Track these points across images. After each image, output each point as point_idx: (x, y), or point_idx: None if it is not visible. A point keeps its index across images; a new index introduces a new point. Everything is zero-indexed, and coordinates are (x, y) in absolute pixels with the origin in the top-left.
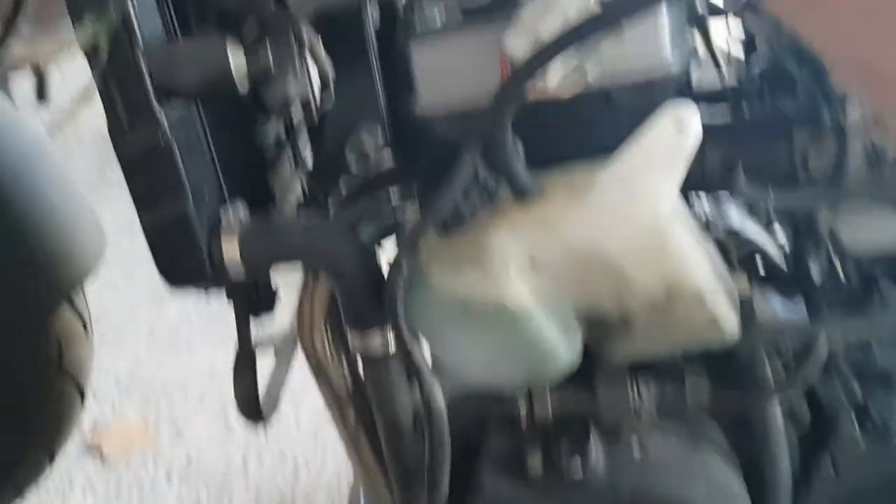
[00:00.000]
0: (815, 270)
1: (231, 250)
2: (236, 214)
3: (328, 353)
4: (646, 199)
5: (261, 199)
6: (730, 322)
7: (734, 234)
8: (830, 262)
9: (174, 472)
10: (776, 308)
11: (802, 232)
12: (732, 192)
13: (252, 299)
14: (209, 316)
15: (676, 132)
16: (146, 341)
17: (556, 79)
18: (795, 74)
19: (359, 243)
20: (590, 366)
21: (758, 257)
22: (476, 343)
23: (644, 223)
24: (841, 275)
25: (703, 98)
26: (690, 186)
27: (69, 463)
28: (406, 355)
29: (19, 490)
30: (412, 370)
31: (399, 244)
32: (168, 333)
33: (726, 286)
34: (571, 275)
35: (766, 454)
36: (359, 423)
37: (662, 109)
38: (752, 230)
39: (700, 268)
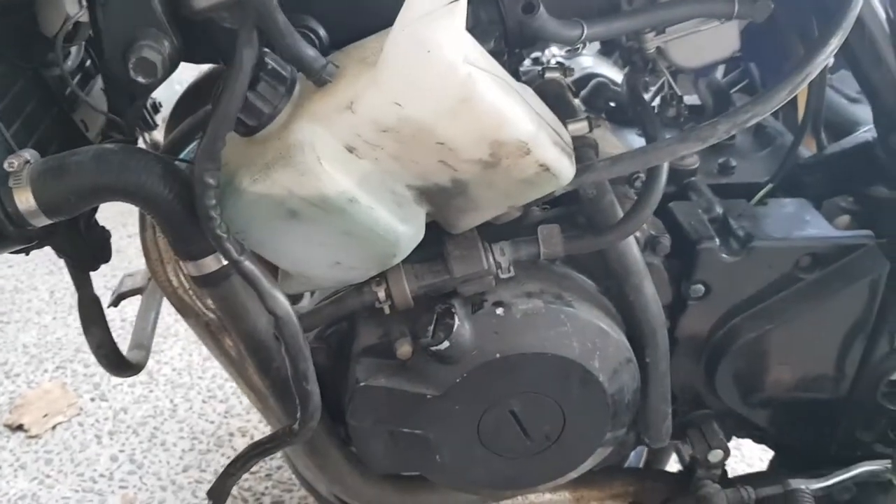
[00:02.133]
0: (650, 95)
1: (24, 197)
2: (21, 159)
3: (187, 285)
4: (434, 53)
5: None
6: (561, 166)
7: (569, 70)
8: (666, 86)
9: (103, 432)
10: (630, 140)
11: (633, 59)
12: (540, 35)
13: (83, 250)
14: (111, 269)
15: None
16: (50, 308)
17: None
18: None
19: (162, 166)
20: (440, 240)
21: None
22: (308, 241)
23: (440, 78)
24: (677, 94)
25: None
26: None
27: None
28: (238, 271)
29: None
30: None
31: (197, 155)
32: (71, 294)
33: (553, 129)
34: (392, 152)
35: (630, 289)
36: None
37: None
38: (603, 69)
39: (516, 115)
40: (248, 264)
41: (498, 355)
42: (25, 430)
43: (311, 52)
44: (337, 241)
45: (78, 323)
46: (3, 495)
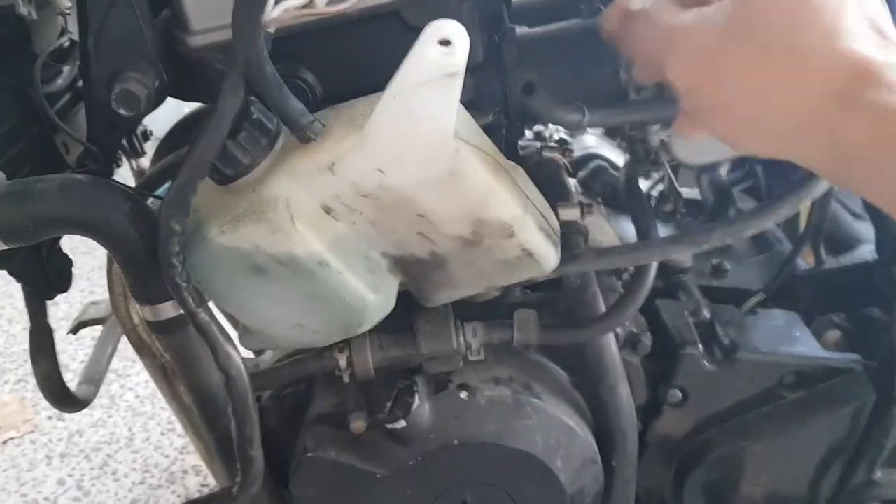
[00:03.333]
0: (648, 188)
1: None
2: None
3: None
4: (424, 124)
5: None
6: (545, 252)
7: (569, 150)
8: (666, 180)
9: (55, 453)
10: (626, 229)
11: (636, 150)
12: (539, 116)
13: (42, 278)
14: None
15: (443, 49)
16: (23, 317)
17: None
18: None
19: (130, 204)
20: (412, 312)
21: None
22: (272, 299)
23: (427, 150)
24: (676, 190)
25: (524, 13)
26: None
27: None
28: (193, 323)
29: None
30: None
31: (166, 199)
32: None
33: (541, 212)
34: (370, 218)
35: (604, 389)
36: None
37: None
38: (606, 150)
39: (503, 196)
40: (205, 317)
41: (456, 441)
42: None
43: (297, 106)
44: (302, 303)
45: None
46: None
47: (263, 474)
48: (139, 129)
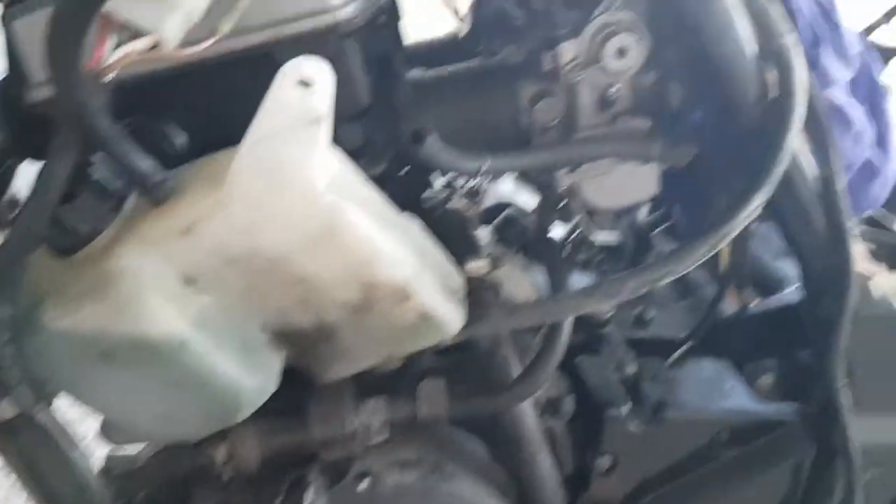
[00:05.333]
0: (566, 234)
1: None
2: None
3: None
4: (289, 176)
5: None
6: (446, 315)
7: (478, 199)
8: (580, 226)
9: None
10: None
11: (545, 194)
12: (433, 165)
13: None
14: None
15: (303, 91)
16: None
17: (174, 37)
18: (518, 19)
19: None
20: (302, 390)
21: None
22: (128, 389)
23: (297, 207)
24: (590, 238)
25: (424, 53)
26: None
27: None
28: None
29: None
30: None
31: None
32: None
33: (441, 270)
34: (242, 286)
35: (523, 461)
36: None
37: (284, 68)
38: (522, 198)
39: (392, 254)
40: (44, 416)
41: None
42: None
43: (146, 164)
44: (163, 391)
45: None
46: None
47: None
48: (4, 198)
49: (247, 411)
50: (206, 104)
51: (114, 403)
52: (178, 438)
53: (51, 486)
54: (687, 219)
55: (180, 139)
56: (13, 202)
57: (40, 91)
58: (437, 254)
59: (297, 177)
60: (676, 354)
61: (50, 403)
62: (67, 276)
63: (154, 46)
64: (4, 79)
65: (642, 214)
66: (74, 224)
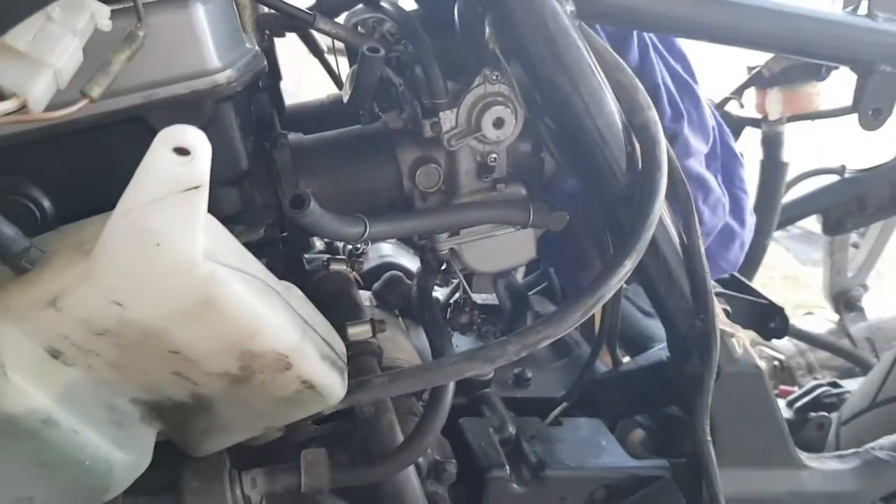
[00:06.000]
0: (447, 297)
1: None
2: None
3: None
4: (165, 246)
5: None
6: (328, 383)
7: (359, 261)
8: (460, 290)
9: None
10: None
11: (427, 259)
12: (314, 231)
13: None
14: None
15: (180, 159)
16: None
17: (41, 100)
18: (399, 87)
19: None
20: (176, 465)
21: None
22: None
23: (173, 277)
24: (471, 300)
25: (305, 116)
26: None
27: None
28: None
29: None
30: None
31: None
32: None
33: (322, 337)
34: (111, 359)
35: None
36: None
37: (160, 135)
38: (403, 259)
39: (273, 323)
40: None
41: None
42: None
43: (7, 230)
44: (27, 470)
45: None
46: None
47: None
48: None
49: (117, 490)
50: (74, 169)
51: None
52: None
53: None
54: (563, 280)
55: (46, 205)
56: None
57: None
58: (318, 320)
59: (173, 246)
60: (554, 414)
61: None
62: None
63: (20, 108)
64: None
65: (519, 276)
66: None
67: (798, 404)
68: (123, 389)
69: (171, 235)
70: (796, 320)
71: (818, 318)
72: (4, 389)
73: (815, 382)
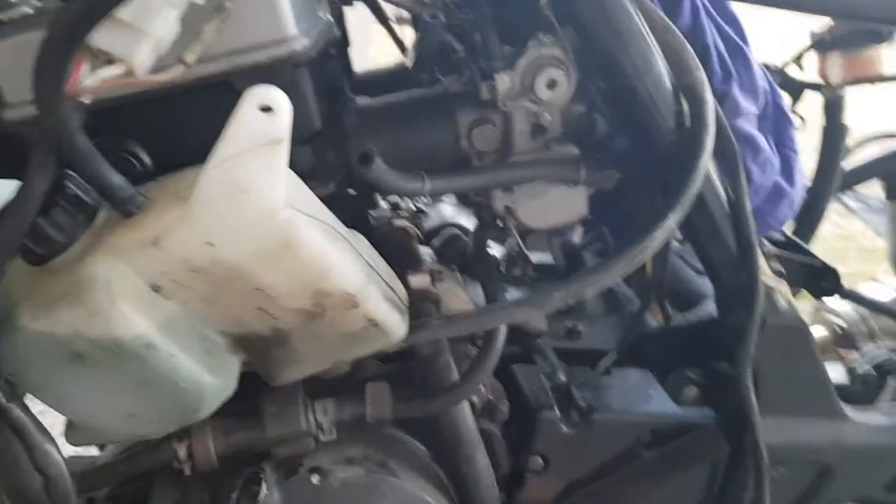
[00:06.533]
0: (497, 252)
1: None
2: None
3: None
4: (251, 194)
5: None
6: (391, 322)
7: (420, 218)
8: (514, 245)
9: None
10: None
11: (482, 216)
12: (378, 186)
13: None
14: None
15: (264, 115)
16: None
17: (144, 65)
18: (459, 52)
19: None
20: (257, 393)
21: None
22: (97, 389)
23: (257, 222)
24: (524, 254)
25: (372, 82)
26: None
27: None
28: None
29: None
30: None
31: None
32: None
33: (386, 282)
34: (204, 294)
35: (461, 460)
36: None
37: (247, 94)
38: (462, 219)
39: (342, 265)
40: (19, 413)
41: None
42: None
43: (116, 179)
44: (131, 390)
45: None
46: None
47: None
48: None
49: (208, 409)
50: (171, 127)
51: (81, 403)
52: (142, 436)
53: (21, 480)
54: (615, 239)
55: (146, 159)
56: None
57: (15, 111)
58: (382, 266)
59: (258, 194)
60: (603, 363)
61: (23, 399)
62: (42, 283)
63: (126, 73)
64: None
65: (575, 236)
66: (50, 234)
67: (858, 370)
68: (214, 322)
69: (257, 184)
70: (859, 287)
71: (882, 285)
72: (114, 317)
73: (875, 347)
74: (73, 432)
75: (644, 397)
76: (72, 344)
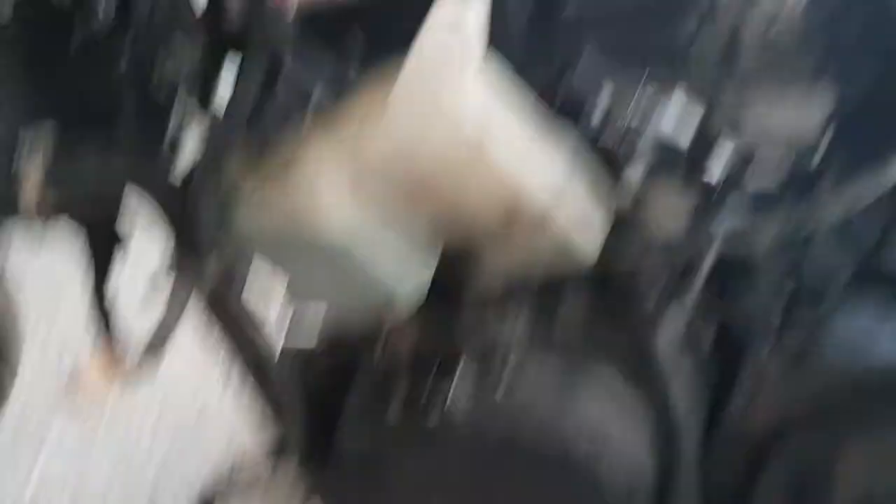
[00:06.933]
0: (716, 167)
1: (32, 178)
2: (41, 137)
3: None
4: (443, 108)
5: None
6: (584, 243)
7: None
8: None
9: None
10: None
11: (701, 133)
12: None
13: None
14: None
15: (456, 29)
16: None
17: None
18: None
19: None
20: (451, 301)
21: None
22: (309, 268)
23: (449, 136)
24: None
25: None
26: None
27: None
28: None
29: None
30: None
31: (201, 163)
32: None
33: (585, 199)
34: (400, 202)
35: (656, 388)
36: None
37: None
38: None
39: (533, 181)
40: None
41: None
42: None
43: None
44: (331, 278)
45: None
46: None
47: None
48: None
49: (405, 304)
50: (373, 38)
51: (296, 273)
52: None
53: (253, 349)
54: (853, 167)
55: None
56: None
57: None
58: (583, 183)
59: (449, 108)
60: (829, 303)
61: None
62: (260, 170)
63: None
64: None
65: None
66: (270, 119)
67: None
68: (407, 228)
69: (447, 98)
70: None
71: None
72: (322, 212)
73: None
74: (293, 291)
75: (876, 341)
76: (286, 229)
